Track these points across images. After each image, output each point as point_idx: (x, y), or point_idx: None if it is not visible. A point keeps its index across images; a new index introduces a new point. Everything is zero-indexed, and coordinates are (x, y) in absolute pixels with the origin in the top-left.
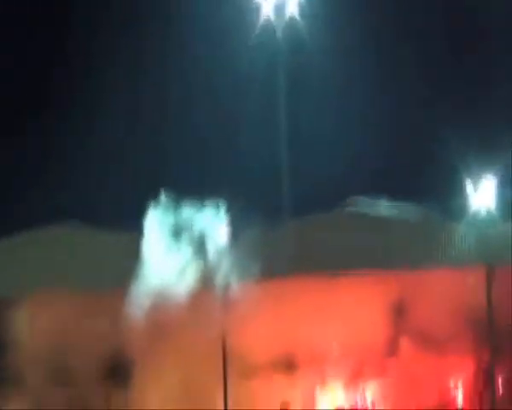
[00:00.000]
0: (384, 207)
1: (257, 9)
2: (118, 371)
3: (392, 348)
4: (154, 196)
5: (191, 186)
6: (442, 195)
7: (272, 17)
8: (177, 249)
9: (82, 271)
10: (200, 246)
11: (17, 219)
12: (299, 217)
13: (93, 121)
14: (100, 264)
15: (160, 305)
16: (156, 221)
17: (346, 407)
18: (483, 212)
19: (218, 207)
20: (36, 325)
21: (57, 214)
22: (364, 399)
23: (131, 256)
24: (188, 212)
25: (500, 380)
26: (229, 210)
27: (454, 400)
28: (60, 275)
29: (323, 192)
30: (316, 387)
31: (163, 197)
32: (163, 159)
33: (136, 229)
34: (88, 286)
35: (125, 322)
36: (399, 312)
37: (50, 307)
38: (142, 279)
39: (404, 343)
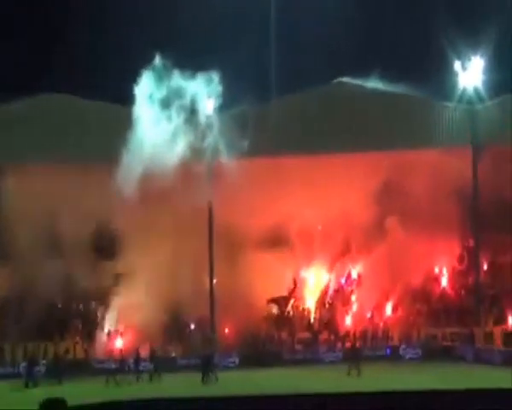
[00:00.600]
0: (372, 88)
1: None
2: (105, 244)
3: (379, 228)
4: (146, 63)
5: (185, 56)
6: (430, 75)
7: None
8: (168, 119)
9: (71, 142)
10: (190, 117)
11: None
12: (289, 93)
13: None
14: (89, 135)
15: (149, 176)
16: (147, 89)
17: (332, 286)
18: (471, 92)
19: (210, 78)
20: (23, 194)
21: (44, 87)
22: (350, 278)
23: (121, 128)
24: (180, 81)
25: (484, 261)
26: (221, 82)
27: (438, 280)
28: (47, 147)
29: (314, 70)
30: (302, 265)
31: (156, 64)
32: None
33: (127, 100)
34: (76, 158)
35: (114, 194)
36: (387, 192)
37: (39, 178)
38: (132, 150)
39: (391, 223)
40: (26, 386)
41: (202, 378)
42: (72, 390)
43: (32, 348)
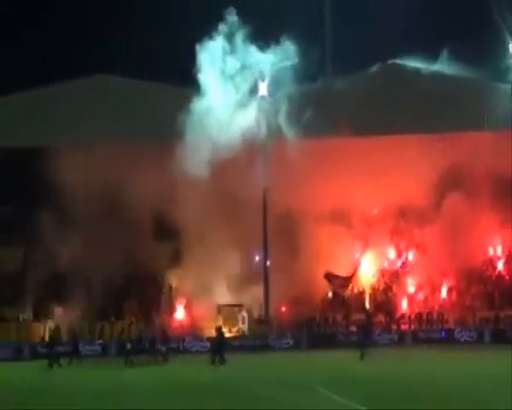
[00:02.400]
0: (429, 69)
1: None
2: (164, 224)
3: (435, 211)
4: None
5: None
6: (488, 56)
7: None
8: (228, 99)
9: (125, 121)
10: (250, 97)
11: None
12: (342, 74)
13: None
14: (146, 115)
15: (209, 155)
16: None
17: (388, 268)
18: None
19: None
20: (85, 174)
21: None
22: (406, 260)
23: (179, 107)
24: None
25: None
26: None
27: (494, 263)
28: (102, 125)
29: (365, 52)
30: (358, 248)
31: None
32: None
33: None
34: (137, 137)
35: (175, 173)
36: (445, 174)
37: (96, 157)
38: (194, 130)
39: (447, 206)
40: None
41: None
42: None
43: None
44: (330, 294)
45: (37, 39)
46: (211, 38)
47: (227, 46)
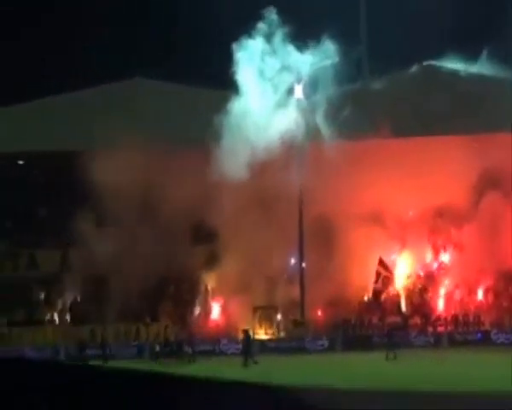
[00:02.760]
0: (467, 71)
1: None
2: (199, 227)
3: (471, 213)
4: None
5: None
6: None
7: None
8: (265, 100)
9: (162, 125)
10: (287, 98)
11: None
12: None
13: None
14: (182, 119)
15: (245, 158)
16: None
17: (423, 270)
18: None
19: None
20: (119, 175)
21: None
22: (442, 262)
23: (215, 110)
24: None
25: None
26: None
27: None
28: (139, 129)
29: (402, 53)
30: (394, 249)
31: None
32: None
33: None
34: (170, 141)
35: (209, 178)
36: (481, 176)
37: (132, 159)
38: (226, 134)
39: (485, 208)
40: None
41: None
42: None
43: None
44: (375, 287)
45: (70, 43)
46: (249, 36)
47: (266, 46)
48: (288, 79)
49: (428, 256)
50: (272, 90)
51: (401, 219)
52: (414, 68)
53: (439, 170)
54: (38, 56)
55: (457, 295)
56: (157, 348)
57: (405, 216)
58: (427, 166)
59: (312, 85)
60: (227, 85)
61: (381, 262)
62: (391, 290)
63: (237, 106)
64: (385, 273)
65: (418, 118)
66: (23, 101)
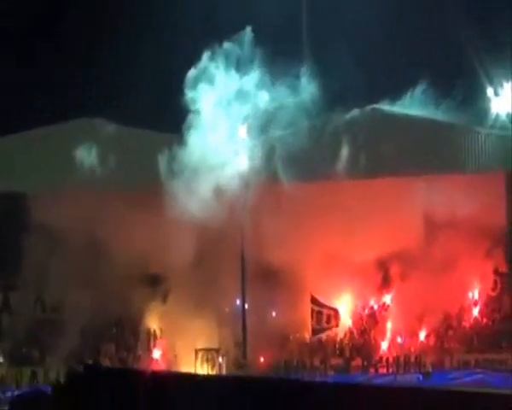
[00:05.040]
0: (405, 114)
1: None
2: (147, 270)
3: (412, 255)
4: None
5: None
6: (464, 99)
7: None
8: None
9: (111, 167)
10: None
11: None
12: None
13: None
14: (130, 161)
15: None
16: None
17: (365, 312)
18: (504, 117)
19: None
20: (66, 217)
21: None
22: (384, 304)
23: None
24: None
25: None
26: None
27: (472, 306)
28: (87, 171)
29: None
30: (335, 292)
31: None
32: None
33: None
34: (118, 183)
35: (154, 220)
36: (422, 218)
37: (82, 204)
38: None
39: (425, 251)
40: None
41: None
42: None
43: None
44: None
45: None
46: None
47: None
48: (241, 114)
49: (371, 297)
50: (225, 124)
51: (347, 260)
52: (363, 110)
53: (386, 212)
54: None
55: (399, 336)
56: None
57: (351, 257)
58: (375, 208)
59: (263, 124)
60: (178, 127)
61: (314, 299)
62: (333, 330)
63: (187, 147)
64: (318, 309)
65: (368, 159)
66: None
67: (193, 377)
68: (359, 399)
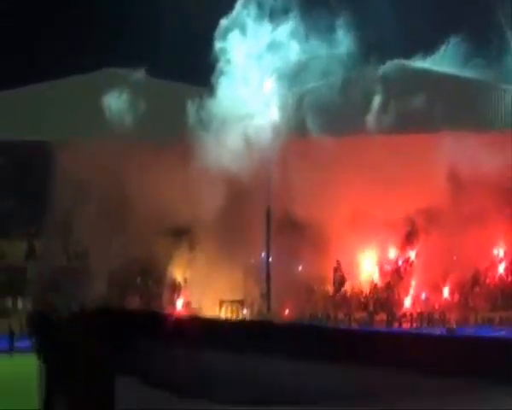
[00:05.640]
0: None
1: None
2: (172, 221)
3: (439, 210)
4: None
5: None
6: (493, 57)
7: None
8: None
9: (140, 118)
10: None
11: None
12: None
13: None
14: (158, 112)
15: (219, 153)
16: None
17: (390, 266)
18: None
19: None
20: (89, 167)
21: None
22: (408, 259)
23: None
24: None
25: None
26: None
27: (497, 263)
28: (116, 121)
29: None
30: (360, 246)
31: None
32: None
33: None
34: (146, 134)
35: (181, 172)
36: (449, 174)
37: (110, 154)
38: (202, 128)
39: (451, 205)
40: None
41: None
42: None
43: None
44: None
45: (37, 34)
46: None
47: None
48: (272, 64)
49: (396, 252)
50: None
51: (373, 215)
52: (394, 65)
53: (414, 167)
54: (6, 47)
55: (423, 292)
56: None
57: (378, 212)
58: (403, 163)
59: (295, 75)
60: (207, 78)
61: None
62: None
63: (217, 98)
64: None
65: (397, 114)
66: None
67: (218, 323)
68: (392, 345)
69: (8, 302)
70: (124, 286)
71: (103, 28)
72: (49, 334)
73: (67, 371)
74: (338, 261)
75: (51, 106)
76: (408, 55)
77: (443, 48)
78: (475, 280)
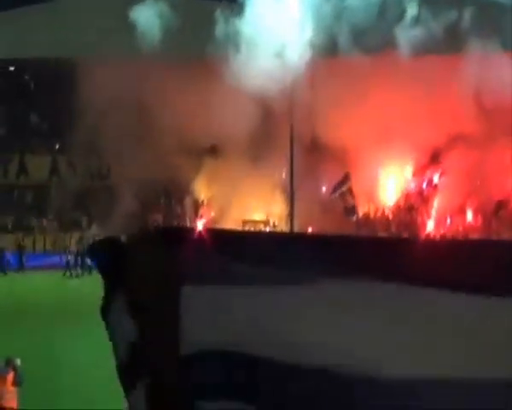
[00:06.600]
0: None
1: None
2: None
3: (463, 134)
4: None
5: None
6: None
7: None
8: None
9: (166, 35)
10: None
11: None
12: None
13: None
14: (185, 28)
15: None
16: None
17: (413, 188)
18: None
19: None
20: (114, 83)
21: None
22: (432, 182)
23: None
24: None
25: None
26: None
27: None
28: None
29: None
30: (382, 167)
31: None
32: None
33: None
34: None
35: (208, 91)
36: (480, 94)
37: (134, 71)
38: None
39: (478, 130)
40: None
41: None
42: None
43: None
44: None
45: None
46: None
47: None
48: None
49: (419, 176)
50: None
51: (397, 137)
52: None
53: (440, 89)
54: None
55: (447, 215)
56: None
57: (402, 134)
58: (429, 84)
59: None
60: None
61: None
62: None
63: (244, 15)
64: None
65: (428, 36)
66: (13, 6)
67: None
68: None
69: (33, 220)
70: (147, 206)
71: None
72: (119, 255)
73: (136, 288)
74: (361, 181)
75: (77, 21)
76: None
77: None
78: (500, 204)
